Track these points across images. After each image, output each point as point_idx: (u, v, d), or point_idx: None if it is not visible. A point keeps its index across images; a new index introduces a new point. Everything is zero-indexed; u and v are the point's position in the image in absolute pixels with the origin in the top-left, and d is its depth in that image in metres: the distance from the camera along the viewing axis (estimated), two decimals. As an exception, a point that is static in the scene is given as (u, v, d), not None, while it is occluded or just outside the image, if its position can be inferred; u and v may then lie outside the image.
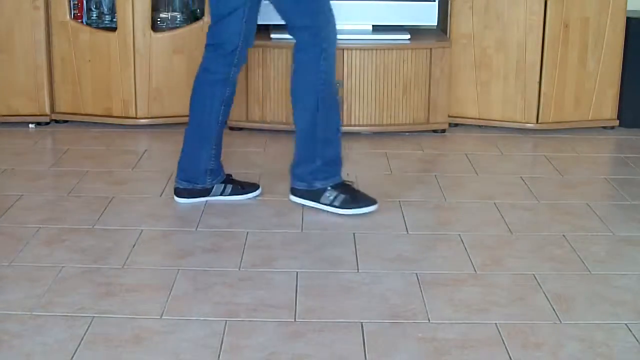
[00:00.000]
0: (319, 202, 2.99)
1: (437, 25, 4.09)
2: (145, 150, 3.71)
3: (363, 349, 2.11)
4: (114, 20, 3.98)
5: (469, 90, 4.03)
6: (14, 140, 3.81)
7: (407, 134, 3.96)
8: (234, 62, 2.95)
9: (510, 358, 2.09)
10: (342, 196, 2.97)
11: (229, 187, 3.11)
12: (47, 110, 4.01)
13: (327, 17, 2.91)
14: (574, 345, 2.15)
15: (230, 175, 3.17)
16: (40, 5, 3.89)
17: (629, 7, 4.02)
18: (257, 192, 3.15)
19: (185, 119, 4.02)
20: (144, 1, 3.87)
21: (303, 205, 3.01)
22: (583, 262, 2.64)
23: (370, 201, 3.00)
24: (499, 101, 4.01)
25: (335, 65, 2.95)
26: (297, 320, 2.26)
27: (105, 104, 3.98)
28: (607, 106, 4.07)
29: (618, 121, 4.10)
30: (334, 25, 2.92)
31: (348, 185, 3.04)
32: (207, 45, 2.98)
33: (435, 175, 3.42)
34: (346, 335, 2.18)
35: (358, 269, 2.57)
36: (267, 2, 2.92)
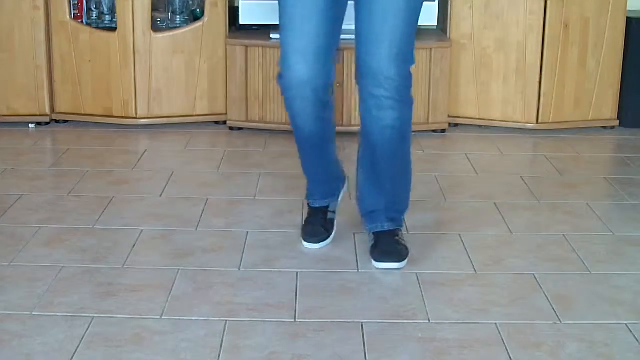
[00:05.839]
0: None
1: (437, 25, 4.09)
2: (145, 150, 3.71)
3: (363, 349, 2.11)
4: (114, 20, 3.98)
5: (469, 90, 4.03)
6: (14, 140, 3.81)
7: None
8: None
9: (510, 358, 2.08)
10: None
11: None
12: (47, 110, 4.01)
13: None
14: (574, 345, 2.15)
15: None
16: (40, 5, 3.89)
17: (629, 7, 4.02)
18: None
19: (184, 119, 4.03)
20: (144, 1, 3.87)
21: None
22: (583, 262, 2.64)
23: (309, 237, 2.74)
24: (499, 101, 4.01)
25: None
26: (297, 320, 2.26)
27: (105, 103, 3.98)
28: (607, 106, 4.07)
29: (618, 121, 4.10)
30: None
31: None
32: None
33: (435, 175, 3.42)
34: (346, 335, 2.18)
35: (358, 269, 2.57)
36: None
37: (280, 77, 2.48)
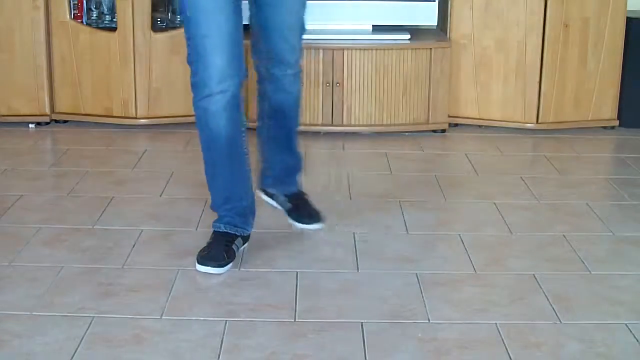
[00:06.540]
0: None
1: (437, 25, 4.09)
2: (145, 150, 3.71)
3: (363, 349, 2.11)
4: (114, 20, 3.98)
5: (469, 90, 4.03)
6: (14, 140, 3.81)
7: (407, 133, 3.96)
8: None
9: (510, 358, 2.09)
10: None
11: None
12: (47, 110, 4.01)
13: None
14: (574, 345, 2.15)
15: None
16: (40, 5, 3.89)
17: (629, 7, 4.02)
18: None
19: (184, 119, 4.02)
20: (144, 1, 3.87)
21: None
22: (583, 262, 2.64)
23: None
24: (499, 101, 4.01)
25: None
26: (297, 320, 2.26)
27: (105, 104, 3.98)
28: (607, 106, 4.07)
29: (618, 121, 4.10)
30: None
31: None
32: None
33: (435, 175, 3.42)
34: (346, 335, 2.18)
35: (358, 269, 2.57)
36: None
37: (194, 75, 2.45)
